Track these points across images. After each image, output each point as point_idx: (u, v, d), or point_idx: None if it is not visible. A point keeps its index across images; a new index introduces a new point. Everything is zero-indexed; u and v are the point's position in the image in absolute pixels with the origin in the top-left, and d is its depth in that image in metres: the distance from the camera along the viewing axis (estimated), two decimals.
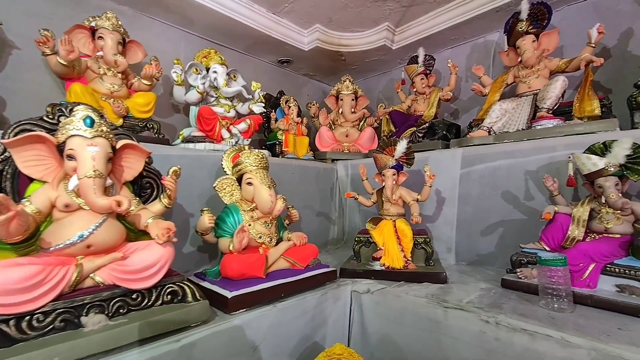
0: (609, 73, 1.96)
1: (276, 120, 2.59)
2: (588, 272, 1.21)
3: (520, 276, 1.33)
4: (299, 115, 2.66)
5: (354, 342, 1.40)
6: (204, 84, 2.03)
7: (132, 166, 1.14)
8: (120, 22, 1.76)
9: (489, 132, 1.90)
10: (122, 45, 1.77)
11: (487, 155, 1.78)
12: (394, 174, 1.64)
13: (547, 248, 1.37)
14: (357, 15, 2.42)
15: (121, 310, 0.91)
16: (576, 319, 1.05)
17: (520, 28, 1.89)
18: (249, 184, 1.40)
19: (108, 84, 1.70)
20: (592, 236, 1.29)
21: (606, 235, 1.26)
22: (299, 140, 2.54)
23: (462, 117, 2.61)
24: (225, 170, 1.55)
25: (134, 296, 0.94)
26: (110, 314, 0.88)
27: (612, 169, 1.23)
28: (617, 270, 1.18)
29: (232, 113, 2.19)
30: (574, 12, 2.10)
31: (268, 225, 1.42)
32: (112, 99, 1.68)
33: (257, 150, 1.48)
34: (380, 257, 1.57)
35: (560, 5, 2.10)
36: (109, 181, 1.02)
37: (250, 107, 2.26)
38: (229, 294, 1.10)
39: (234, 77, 2.33)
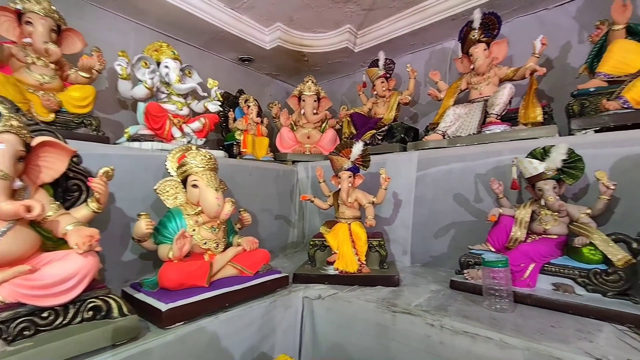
0: (552, 82, 2.08)
1: (234, 119, 2.50)
2: (528, 272, 1.25)
3: (467, 277, 1.36)
4: (259, 115, 2.58)
5: (305, 351, 1.36)
6: (152, 78, 1.90)
7: (51, 166, 1.02)
8: (54, 7, 1.59)
9: (444, 136, 1.95)
10: (56, 32, 1.61)
11: (441, 159, 1.82)
12: (350, 177, 1.62)
13: (493, 249, 1.41)
14: (318, 15, 2.40)
15: (26, 333, 0.79)
16: (515, 319, 1.07)
17: (473, 36, 1.95)
18: (195, 186, 1.32)
19: (37, 74, 1.53)
20: (533, 237, 1.35)
21: (545, 236, 1.32)
22: (258, 141, 2.46)
23: (420, 120, 2.67)
24: (169, 171, 1.45)
25: (44, 315, 0.83)
26: (10, 338, 0.77)
27: (550, 173, 1.29)
28: (553, 269, 1.24)
29: (185, 111, 2.07)
30: (521, 24, 2.22)
31: (215, 230, 1.34)
32: (42, 92, 1.52)
33: (204, 150, 1.39)
34: (335, 261, 1.54)
35: (510, 17, 2.21)
36: (18, 183, 0.90)
37: (206, 105, 2.15)
38: (163, 307, 1.01)
39: (189, 73, 2.21)
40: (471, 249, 1.46)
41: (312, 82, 2.74)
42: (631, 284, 1.12)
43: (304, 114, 2.71)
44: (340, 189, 1.63)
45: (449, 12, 2.18)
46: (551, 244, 1.28)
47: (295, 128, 2.74)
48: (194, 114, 2.19)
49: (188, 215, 1.31)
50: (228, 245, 1.44)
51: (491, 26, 1.93)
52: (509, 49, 2.01)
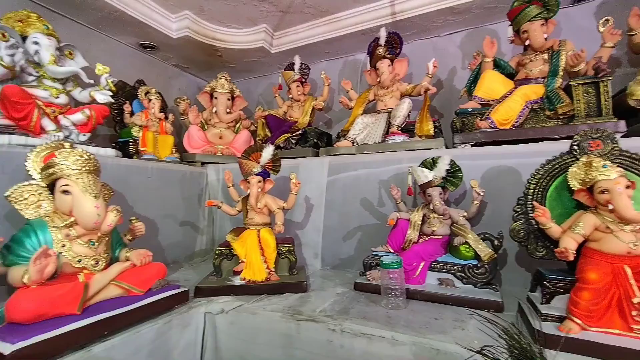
0: (442, 101, 2.39)
1: (132, 113, 2.19)
2: (419, 270, 1.39)
3: (369, 278, 1.44)
4: (162, 110, 2.33)
5: None
6: (12, 55, 1.52)
7: None
8: None
9: (353, 142, 2.05)
10: None
11: (350, 165, 1.90)
12: (259, 181, 1.56)
13: (392, 250, 1.53)
14: (232, 10, 2.28)
15: None
16: (407, 315, 1.17)
17: (379, 52, 2.11)
18: (66, 192, 1.09)
19: None
20: (423, 238, 1.51)
21: (432, 236, 1.49)
22: (161, 139, 2.21)
23: (334, 126, 2.77)
24: (30, 173, 1.17)
25: None
26: None
27: (437, 181, 1.46)
28: (438, 266, 1.40)
29: (63, 99, 1.73)
30: (419, 46, 2.49)
31: (93, 245, 1.13)
32: None
33: (81, 149, 1.16)
34: (242, 271, 1.46)
35: (410, 39, 2.46)
36: None
37: (93, 94, 1.84)
38: (8, 348, 0.80)
39: (70, 54, 1.86)
40: (374, 251, 1.56)
41: (226, 79, 2.59)
42: (494, 275, 1.34)
43: (216, 112, 2.55)
44: (249, 194, 1.56)
45: (358, 26, 2.31)
46: (437, 243, 1.45)
47: (206, 127, 2.56)
48: (77, 104, 1.85)
49: (56, 227, 1.07)
50: (114, 260, 1.23)
51: (394, 45, 2.11)
52: (409, 67, 2.23)
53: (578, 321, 0.94)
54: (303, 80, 2.46)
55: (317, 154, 2.15)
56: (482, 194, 1.44)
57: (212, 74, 2.85)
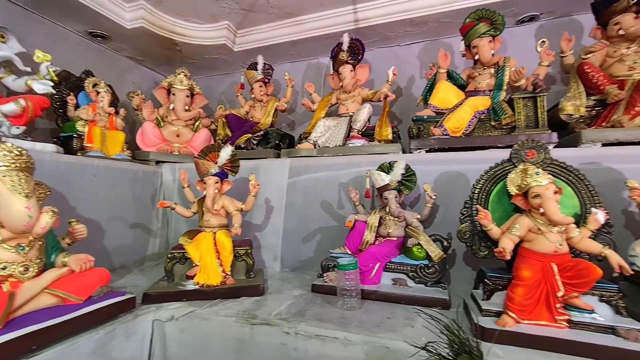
0: (401, 107, 2.49)
1: (77, 106, 2.02)
2: (374, 271, 1.43)
3: (326, 280, 1.45)
4: (113, 104, 2.17)
5: None
6: None
7: None
8: None
9: (315, 145, 2.06)
10: None
11: (311, 167, 1.91)
12: (216, 182, 1.51)
13: (349, 252, 1.56)
14: (192, 4, 2.20)
15: None
16: (361, 315, 1.20)
17: (342, 57, 2.14)
18: None
19: None
20: (380, 240, 1.56)
21: (388, 238, 1.54)
22: (110, 135, 2.06)
23: (297, 128, 2.77)
24: None
25: None
26: None
27: (393, 184, 1.52)
28: (393, 266, 1.45)
29: None
30: (381, 54, 2.58)
31: (23, 250, 1.03)
32: None
33: (10, 144, 1.05)
34: (195, 275, 1.40)
35: (372, 47, 2.53)
36: None
37: (29, 83, 1.68)
38: None
39: (2, 37, 1.67)
40: (332, 253, 1.58)
41: (186, 75, 2.48)
42: (443, 274, 1.41)
43: (173, 109, 2.43)
44: (205, 195, 1.51)
45: (322, 30, 2.34)
46: (392, 245, 1.51)
47: (162, 124, 2.43)
48: (9, 93, 1.67)
49: None
50: (48, 267, 1.12)
51: (357, 51, 2.16)
52: (370, 74, 2.30)
53: (513, 315, 1.02)
54: (266, 80, 2.44)
55: (278, 156, 2.13)
56: (433, 197, 1.52)
57: (171, 68, 2.72)
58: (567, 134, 1.69)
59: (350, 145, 1.96)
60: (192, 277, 1.42)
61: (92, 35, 2.37)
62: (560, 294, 1.02)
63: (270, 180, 1.96)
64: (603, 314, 1.02)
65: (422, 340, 0.94)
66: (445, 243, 1.43)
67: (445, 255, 1.41)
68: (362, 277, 1.41)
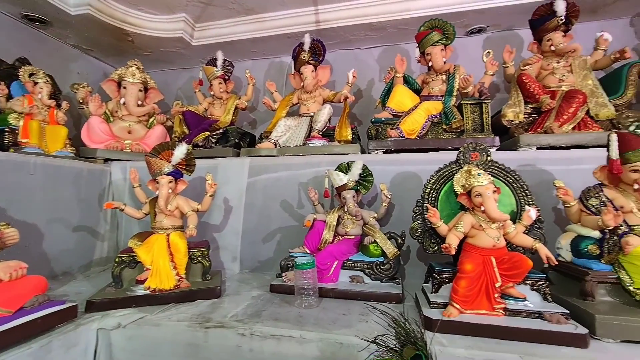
0: (362, 109, 2.56)
1: (9, 97, 1.83)
2: (332, 269, 1.46)
3: (284, 280, 1.46)
4: (54, 96, 1.99)
5: None
6: None
7: None
8: None
9: (275, 144, 2.05)
10: None
11: (271, 167, 1.90)
12: (170, 182, 1.45)
13: (308, 251, 1.57)
14: None
15: None
16: (318, 313, 1.22)
17: (303, 57, 2.15)
18: None
19: None
20: (338, 238, 1.59)
21: (346, 237, 1.57)
22: (50, 130, 1.89)
23: (259, 127, 2.74)
24: None
25: None
26: None
27: (351, 184, 1.56)
28: (350, 264, 1.49)
29: None
30: (342, 56, 2.63)
31: None
32: None
33: None
34: (146, 279, 1.34)
35: (334, 48, 2.58)
36: None
37: None
38: None
39: None
40: (291, 252, 1.58)
41: (138, 67, 2.34)
42: (397, 270, 1.48)
43: (124, 103, 2.28)
44: (158, 196, 1.44)
45: (284, 29, 2.34)
46: (350, 243, 1.55)
47: (111, 119, 2.27)
48: None
49: None
50: None
51: (318, 52, 2.18)
52: (332, 75, 2.33)
53: (457, 306, 1.10)
54: (226, 77, 2.37)
55: (238, 155, 2.09)
56: (389, 196, 1.58)
57: (122, 59, 2.56)
58: (508, 138, 1.84)
59: (311, 145, 1.98)
60: (142, 282, 1.35)
61: (28, 19, 2.15)
62: (498, 284, 1.11)
63: (229, 180, 1.92)
64: (533, 301, 1.13)
65: (374, 335, 0.98)
66: (399, 240, 1.50)
67: (399, 252, 1.47)
68: (321, 276, 1.44)
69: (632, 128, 1.19)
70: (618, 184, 1.24)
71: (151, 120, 2.39)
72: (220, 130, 2.19)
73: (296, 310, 1.24)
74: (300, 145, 2.01)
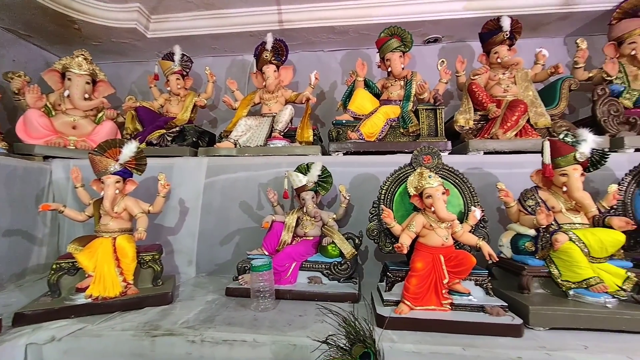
0: (324, 111, 2.58)
1: None
2: (290, 270, 1.46)
3: (241, 283, 1.42)
4: None
5: None
6: None
7: None
8: None
9: (235, 144, 2.00)
10: None
11: (230, 167, 1.85)
12: (117, 182, 1.36)
13: (267, 253, 1.55)
14: None
15: None
16: (274, 315, 1.21)
17: (266, 56, 2.13)
18: None
19: None
20: (297, 239, 1.58)
21: (305, 238, 1.58)
22: None
23: (220, 126, 2.66)
24: None
25: None
26: None
27: (310, 185, 1.56)
28: (309, 265, 1.49)
29: None
30: (305, 57, 2.63)
31: None
32: None
33: None
34: (88, 287, 1.24)
35: (297, 49, 2.57)
36: None
37: None
38: None
39: None
40: (249, 254, 1.55)
41: (85, 58, 2.16)
42: (354, 270, 1.51)
43: (68, 96, 2.10)
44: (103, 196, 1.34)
45: (247, 27, 2.29)
46: (309, 244, 1.55)
47: (53, 113, 2.08)
48: None
49: None
50: None
51: (280, 51, 2.17)
52: (295, 76, 2.33)
53: (408, 303, 1.14)
54: (184, 73, 2.28)
55: (195, 154, 2.01)
56: (348, 197, 1.61)
57: (68, 48, 2.36)
58: (459, 142, 1.96)
59: (272, 145, 1.96)
60: (84, 290, 1.25)
61: None
62: (446, 281, 1.18)
63: (185, 180, 1.85)
64: (477, 295, 1.21)
65: (328, 335, 0.99)
66: (357, 241, 1.53)
67: (356, 252, 1.50)
68: (279, 277, 1.42)
69: (562, 136, 1.32)
70: (550, 187, 1.36)
71: (100, 115, 2.22)
72: (177, 128, 2.09)
73: (252, 314, 1.22)
74: (261, 145, 1.98)
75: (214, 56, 2.68)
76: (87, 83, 2.15)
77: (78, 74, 2.11)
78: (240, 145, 2.00)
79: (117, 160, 1.36)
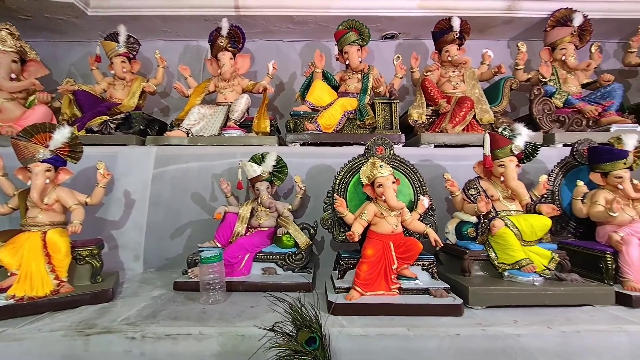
0: (284, 101, 2.55)
1: None
2: (244, 262, 1.42)
3: (190, 276, 1.37)
4: None
5: None
6: None
7: None
8: None
9: (187, 133, 1.91)
10: None
11: (181, 157, 1.77)
12: (47, 170, 1.23)
13: (219, 245, 1.50)
14: None
15: None
16: (224, 308, 1.17)
17: (221, 42, 2.04)
18: None
19: None
20: (251, 231, 1.55)
21: (259, 229, 1.55)
22: None
23: (172, 115, 2.51)
24: None
25: None
26: None
27: (265, 175, 1.53)
28: (263, 256, 1.47)
29: None
30: (264, 46, 2.57)
31: None
32: None
33: None
34: (10, 287, 1.11)
35: (255, 38, 2.50)
36: None
37: None
38: None
39: None
40: (200, 247, 1.49)
41: (11, 33, 1.92)
42: (309, 260, 1.51)
43: None
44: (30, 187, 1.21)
45: (200, 11, 2.19)
46: (263, 235, 1.52)
47: None
48: None
49: None
50: None
51: (237, 39, 2.10)
52: (252, 65, 2.26)
53: (359, 289, 1.17)
54: (130, 56, 2.11)
55: (143, 143, 1.88)
56: (303, 188, 1.61)
57: None
58: (413, 135, 2.03)
59: (227, 135, 1.90)
60: (5, 290, 1.12)
61: None
62: (395, 266, 1.22)
63: (131, 171, 1.72)
64: (423, 279, 1.27)
65: (280, 323, 0.98)
66: (312, 231, 1.53)
67: (311, 242, 1.51)
68: (232, 269, 1.39)
69: (500, 130, 1.42)
70: (490, 177, 1.46)
71: (31, 98, 2.00)
72: (122, 115, 1.94)
73: (200, 307, 1.17)
74: (215, 135, 1.91)
75: (165, 39, 2.52)
76: (14, 61, 1.93)
77: (2, 50, 1.87)
78: (192, 135, 1.91)
79: (47, 147, 1.23)
